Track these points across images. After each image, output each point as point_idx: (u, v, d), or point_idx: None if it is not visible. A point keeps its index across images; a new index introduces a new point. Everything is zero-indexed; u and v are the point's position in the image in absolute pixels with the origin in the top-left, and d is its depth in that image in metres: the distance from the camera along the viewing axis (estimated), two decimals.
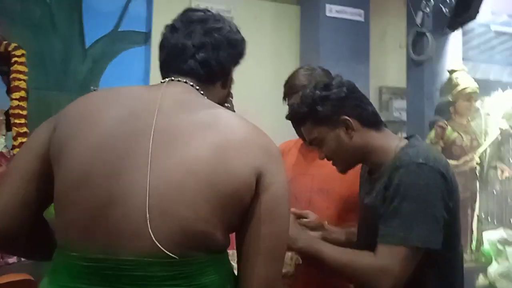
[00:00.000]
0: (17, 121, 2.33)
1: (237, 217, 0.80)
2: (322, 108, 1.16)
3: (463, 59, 3.57)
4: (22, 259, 2.16)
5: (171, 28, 0.93)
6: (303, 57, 3.58)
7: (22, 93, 2.37)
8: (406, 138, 1.21)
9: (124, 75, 3.09)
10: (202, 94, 0.90)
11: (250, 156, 0.78)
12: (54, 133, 0.83)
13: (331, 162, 1.24)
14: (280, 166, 0.83)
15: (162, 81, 0.91)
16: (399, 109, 3.89)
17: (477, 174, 3.29)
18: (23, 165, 0.85)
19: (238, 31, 0.97)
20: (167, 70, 0.92)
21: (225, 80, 0.96)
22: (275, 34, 3.59)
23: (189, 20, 0.92)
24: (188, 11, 0.95)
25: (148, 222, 0.72)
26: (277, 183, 0.81)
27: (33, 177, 0.84)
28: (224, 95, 0.98)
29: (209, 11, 0.95)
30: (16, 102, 2.35)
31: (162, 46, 0.94)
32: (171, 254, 0.72)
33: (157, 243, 0.72)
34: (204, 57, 0.89)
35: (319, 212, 1.41)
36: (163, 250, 0.72)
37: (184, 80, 0.89)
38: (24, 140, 2.31)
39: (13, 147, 2.33)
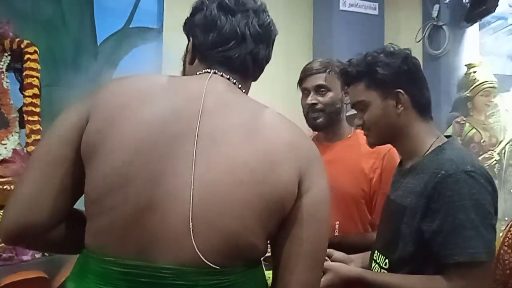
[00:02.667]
0: (30, 118, 2.33)
1: (278, 224, 0.77)
2: (382, 72, 1.11)
3: (480, 53, 3.48)
4: (37, 256, 2.17)
5: (221, 7, 0.83)
6: (316, 51, 3.53)
7: (35, 90, 2.37)
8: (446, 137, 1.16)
9: (136, 72, 3.08)
10: (243, 91, 0.86)
11: (294, 161, 0.76)
12: (87, 123, 0.76)
13: (364, 132, 1.20)
14: (320, 170, 0.80)
15: (203, 71, 0.84)
16: None
17: (496, 173, 3.21)
18: (48, 151, 0.78)
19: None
20: (213, 57, 0.84)
21: (258, 75, 0.92)
22: (288, 28, 3.54)
23: (244, 6, 0.84)
24: None
25: (191, 231, 0.69)
26: (317, 187, 0.78)
27: (60, 162, 0.77)
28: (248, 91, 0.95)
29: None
30: (29, 100, 2.35)
31: (209, 25, 0.83)
32: (212, 265, 0.70)
33: (199, 253, 0.69)
34: (260, 54, 0.85)
35: None
36: (204, 260, 0.69)
37: (227, 76, 0.84)
38: (38, 137, 2.30)
39: (27, 144, 2.33)
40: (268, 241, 0.80)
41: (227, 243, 0.71)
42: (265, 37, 0.86)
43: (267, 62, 0.90)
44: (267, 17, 0.87)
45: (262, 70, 0.90)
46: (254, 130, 0.76)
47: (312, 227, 0.77)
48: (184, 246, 0.70)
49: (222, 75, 0.84)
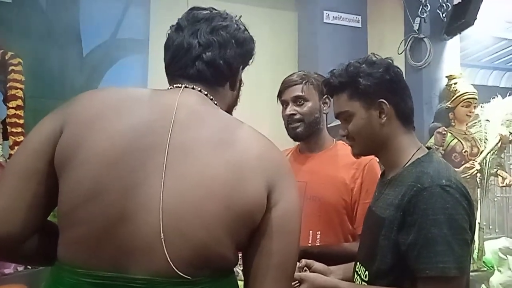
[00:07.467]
0: (14, 130, 2.32)
1: (247, 236, 0.78)
2: (364, 82, 1.11)
3: (461, 64, 3.56)
4: (19, 269, 2.13)
5: (176, 27, 0.89)
6: (301, 63, 3.57)
7: (19, 102, 2.36)
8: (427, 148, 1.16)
9: (121, 83, 3.08)
10: (215, 103, 0.87)
11: (264, 174, 0.77)
12: (60, 134, 0.77)
13: (348, 142, 1.19)
14: (290, 182, 0.81)
15: (175, 86, 0.87)
16: None
17: (478, 182, 3.26)
18: (21, 164, 0.78)
19: (246, 30, 0.93)
20: (173, 73, 0.88)
21: (234, 81, 0.93)
22: (273, 41, 3.59)
23: (195, 18, 0.89)
24: (193, 10, 0.91)
25: (163, 241, 0.70)
26: (286, 200, 0.79)
27: (33, 175, 0.77)
28: (233, 98, 0.95)
29: (215, 9, 0.92)
30: (13, 111, 2.34)
31: (167, 46, 0.89)
32: (183, 275, 0.71)
33: (171, 263, 0.70)
34: (211, 57, 0.86)
35: (309, 219, 1.41)
36: (175, 271, 0.70)
37: (199, 88, 0.86)
38: None
39: (10, 156, 2.31)
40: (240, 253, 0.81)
41: (196, 253, 0.72)
42: (216, 40, 0.87)
43: (229, 64, 0.89)
44: (223, 21, 0.89)
45: (225, 74, 0.89)
46: (225, 143, 0.77)
47: (282, 240, 0.78)
48: (155, 256, 0.71)
49: (193, 88, 0.86)
